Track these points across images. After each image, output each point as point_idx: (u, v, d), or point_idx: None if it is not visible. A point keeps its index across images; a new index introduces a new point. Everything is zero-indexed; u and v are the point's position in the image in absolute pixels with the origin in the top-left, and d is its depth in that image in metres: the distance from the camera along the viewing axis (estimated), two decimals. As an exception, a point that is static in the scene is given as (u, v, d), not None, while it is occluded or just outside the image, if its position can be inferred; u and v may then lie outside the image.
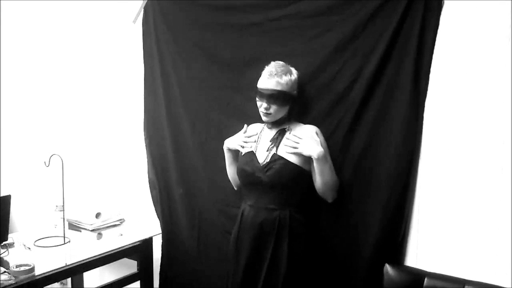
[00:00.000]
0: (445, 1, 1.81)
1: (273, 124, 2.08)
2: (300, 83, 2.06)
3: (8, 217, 2.22)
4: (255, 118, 2.13)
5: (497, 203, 1.75)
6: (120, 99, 2.96)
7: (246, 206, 2.09)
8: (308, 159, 1.98)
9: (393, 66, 1.93)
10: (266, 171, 2.00)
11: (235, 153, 2.21)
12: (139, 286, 2.60)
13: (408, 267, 1.96)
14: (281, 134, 2.06)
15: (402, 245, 1.99)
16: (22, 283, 1.99)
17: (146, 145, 2.68)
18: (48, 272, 2.12)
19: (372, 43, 1.95)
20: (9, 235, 2.29)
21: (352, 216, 2.06)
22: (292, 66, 2.04)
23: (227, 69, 2.33)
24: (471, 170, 1.81)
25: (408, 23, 1.88)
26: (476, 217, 1.80)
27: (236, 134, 2.20)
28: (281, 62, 2.04)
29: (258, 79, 2.04)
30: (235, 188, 2.29)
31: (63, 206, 2.52)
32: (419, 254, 1.95)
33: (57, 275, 2.17)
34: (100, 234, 2.66)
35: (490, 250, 1.78)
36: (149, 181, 2.70)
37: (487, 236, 1.78)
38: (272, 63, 2.04)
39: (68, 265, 2.22)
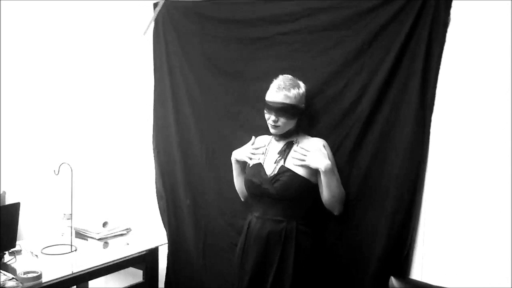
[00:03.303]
0: (452, 18, 1.84)
1: (281, 136, 2.10)
2: (308, 96, 2.09)
3: (17, 224, 2.24)
4: (263, 130, 2.16)
5: (503, 217, 1.75)
6: (129, 109, 2.99)
7: (253, 218, 2.10)
8: (315, 172, 2.00)
9: (400, 81, 1.95)
10: (274, 183, 2.02)
11: (243, 164, 2.23)
12: (144, 296, 2.61)
13: (413, 280, 1.96)
14: (288, 146, 2.08)
15: (407, 258, 1.99)
16: (29, 290, 2.00)
17: (154, 156, 2.71)
18: (55, 279, 2.12)
19: (379, 58, 1.97)
20: (17, 242, 2.31)
21: (358, 229, 2.07)
22: (300, 79, 2.07)
23: (236, 81, 2.37)
24: (477, 183, 1.82)
25: (415, 39, 1.90)
26: (482, 231, 1.81)
27: (244, 146, 2.22)
28: (289, 76, 2.07)
29: (267, 92, 2.06)
30: (242, 200, 2.31)
31: (71, 214, 2.53)
32: (425, 267, 1.95)
33: (64, 283, 2.17)
34: (106, 243, 2.67)
35: (496, 264, 1.78)
36: (156, 191, 2.72)
37: (493, 250, 1.79)
38: (280, 76, 2.07)
39: (75, 273, 2.23)
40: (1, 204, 3.21)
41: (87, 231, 2.73)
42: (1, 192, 3.46)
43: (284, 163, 2.04)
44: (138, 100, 2.89)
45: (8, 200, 3.40)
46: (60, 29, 3.25)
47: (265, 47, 2.28)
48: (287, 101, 2.00)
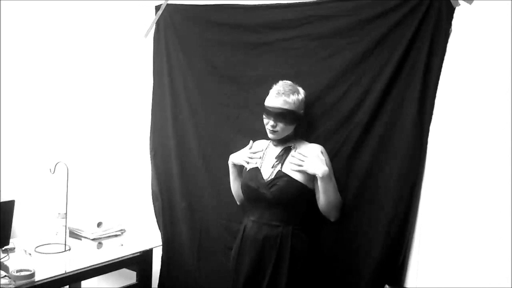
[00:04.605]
0: (453, 28, 1.86)
1: (279, 141, 2.11)
2: (307, 102, 2.10)
3: (11, 222, 2.22)
4: (262, 135, 2.16)
5: (499, 226, 1.76)
6: (127, 111, 2.99)
7: (249, 222, 2.10)
8: (312, 177, 2.00)
9: (400, 89, 1.96)
10: (270, 187, 2.02)
11: (240, 168, 2.23)
12: (137, 297, 2.60)
13: (408, 288, 1.97)
14: (286, 151, 2.09)
15: (402, 266, 2.00)
16: (21, 288, 1.99)
17: (151, 157, 2.69)
18: (48, 278, 2.12)
19: (379, 66, 1.99)
20: (11, 240, 2.28)
21: (354, 236, 2.07)
22: (300, 85, 2.08)
23: (236, 86, 2.37)
24: (475, 191, 1.82)
25: (416, 48, 1.92)
26: (479, 240, 1.81)
27: (242, 150, 2.22)
28: (289, 82, 2.08)
29: (266, 97, 2.07)
30: (238, 203, 2.31)
31: (65, 213, 2.52)
32: (419, 275, 1.95)
33: (56, 282, 2.17)
34: (100, 243, 2.66)
35: (492, 274, 1.78)
36: (152, 193, 2.70)
37: (488, 260, 1.79)
38: (280, 82, 2.08)
39: (68, 273, 2.22)
40: (-4, 202, 3.19)
41: (81, 230, 2.72)
42: (-4, 190, 3.44)
43: (281, 168, 2.05)
44: (137, 102, 2.89)
45: (3, 198, 3.38)
46: (61, 29, 3.24)
47: (266, 52, 2.29)
48: (286, 106, 2.00)
